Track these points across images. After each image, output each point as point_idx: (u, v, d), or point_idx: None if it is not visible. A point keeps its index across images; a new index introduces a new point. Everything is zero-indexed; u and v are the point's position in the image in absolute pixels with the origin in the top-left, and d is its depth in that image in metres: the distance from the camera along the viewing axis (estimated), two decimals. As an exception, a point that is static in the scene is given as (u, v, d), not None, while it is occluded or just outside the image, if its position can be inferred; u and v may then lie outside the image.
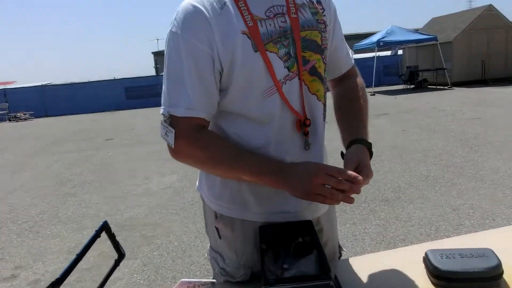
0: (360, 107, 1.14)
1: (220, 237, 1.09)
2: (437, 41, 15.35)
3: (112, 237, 0.85)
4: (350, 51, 1.22)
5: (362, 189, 0.88)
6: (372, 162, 0.98)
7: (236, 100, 0.98)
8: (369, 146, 1.02)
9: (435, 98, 12.30)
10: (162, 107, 0.97)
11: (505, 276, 0.90)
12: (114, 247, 0.86)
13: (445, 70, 15.18)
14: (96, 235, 0.82)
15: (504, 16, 15.78)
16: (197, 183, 1.20)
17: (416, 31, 17.05)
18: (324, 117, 1.09)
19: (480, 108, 9.38)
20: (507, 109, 8.90)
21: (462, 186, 4.20)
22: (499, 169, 4.64)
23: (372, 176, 0.94)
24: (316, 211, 1.09)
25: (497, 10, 15.68)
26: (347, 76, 1.22)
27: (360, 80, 1.22)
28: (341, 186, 0.85)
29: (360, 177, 0.86)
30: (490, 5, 15.68)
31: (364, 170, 0.93)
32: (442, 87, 15.14)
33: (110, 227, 0.85)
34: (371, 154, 1.01)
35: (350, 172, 0.87)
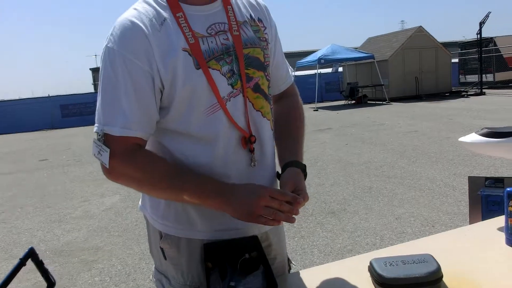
0: (297, 127, 1.17)
1: (165, 258, 1.05)
2: (374, 59, 16.27)
3: (39, 264, 0.77)
4: (290, 69, 1.24)
5: (308, 202, 0.91)
6: (317, 175, 1.01)
7: (178, 117, 0.95)
8: (303, 168, 1.06)
9: (374, 113, 12.94)
10: (96, 124, 0.93)
11: (444, 279, 0.93)
12: (42, 275, 0.79)
13: (383, 86, 16.09)
14: (21, 264, 0.75)
15: (433, 37, 17.09)
16: (140, 202, 1.15)
17: (355, 49, 17.97)
18: (273, 134, 1.09)
19: (416, 121, 9.98)
20: (440, 122, 9.54)
21: (403, 196, 4.41)
22: (435, 179, 4.93)
23: (308, 200, 0.97)
24: (263, 226, 1.08)
25: (426, 31, 16.96)
26: (286, 94, 1.23)
27: (299, 99, 1.24)
28: (283, 207, 0.87)
29: (301, 199, 0.90)
30: (420, 26, 16.95)
31: (300, 194, 0.96)
32: (380, 102, 15.98)
33: (37, 254, 0.77)
34: (305, 175, 1.05)
35: (291, 194, 0.92)
